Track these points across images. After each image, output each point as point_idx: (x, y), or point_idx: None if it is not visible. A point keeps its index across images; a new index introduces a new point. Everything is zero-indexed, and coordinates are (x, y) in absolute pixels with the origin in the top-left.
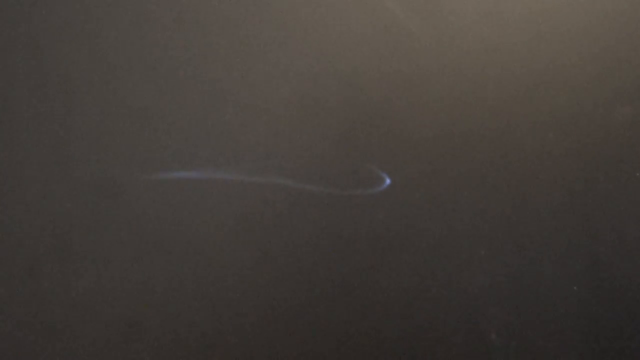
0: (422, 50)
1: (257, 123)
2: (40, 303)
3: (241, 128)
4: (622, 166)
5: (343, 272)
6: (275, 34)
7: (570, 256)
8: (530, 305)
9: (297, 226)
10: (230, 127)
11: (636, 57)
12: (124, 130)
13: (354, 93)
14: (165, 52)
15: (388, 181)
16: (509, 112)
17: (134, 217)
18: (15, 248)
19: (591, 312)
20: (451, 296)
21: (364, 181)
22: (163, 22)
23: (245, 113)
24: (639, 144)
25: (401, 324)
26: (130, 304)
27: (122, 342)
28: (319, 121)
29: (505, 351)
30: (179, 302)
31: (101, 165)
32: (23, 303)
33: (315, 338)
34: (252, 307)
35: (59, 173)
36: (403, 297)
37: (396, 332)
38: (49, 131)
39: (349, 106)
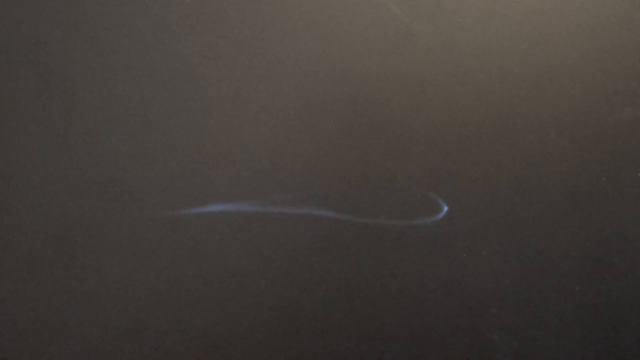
0: (423, 50)
1: (257, 122)
2: (41, 303)
3: (241, 129)
4: (623, 166)
5: (344, 271)
6: (276, 35)
7: (571, 256)
8: (531, 305)
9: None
10: (230, 129)
11: (637, 57)
12: (125, 131)
13: (355, 93)
14: (167, 54)
15: (446, 208)
16: (510, 112)
17: (135, 217)
18: (17, 248)
19: (591, 312)
20: (452, 296)
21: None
22: (165, 24)
23: (246, 114)
24: None
25: (402, 324)
26: (131, 304)
27: (122, 342)
28: (319, 121)
29: (506, 351)
30: (179, 302)
31: (102, 166)
32: (24, 303)
33: (316, 338)
34: (254, 309)
35: (61, 174)
36: (404, 297)
37: (397, 332)
38: (50, 132)
39: (351, 106)
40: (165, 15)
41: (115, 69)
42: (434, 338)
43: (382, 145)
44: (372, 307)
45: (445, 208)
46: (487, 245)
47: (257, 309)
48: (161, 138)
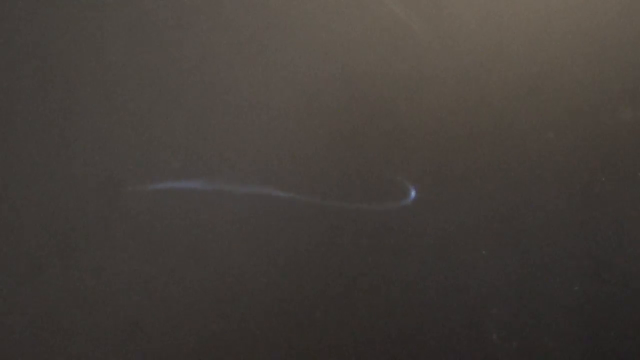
0: (424, 51)
1: (257, 125)
2: (42, 303)
3: (242, 132)
4: (622, 166)
5: (344, 272)
6: (276, 35)
7: (570, 256)
8: (531, 305)
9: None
10: (230, 131)
11: (637, 58)
12: (125, 132)
13: (356, 94)
14: (167, 55)
15: (413, 194)
16: (510, 113)
17: (135, 218)
18: (17, 249)
19: (591, 312)
20: (452, 296)
21: (386, 193)
22: (165, 25)
23: (246, 115)
24: (639, 144)
25: (402, 324)
26: (131, 304)
27: (123, 342)
28: (320, 122)
29: (506, 351)
30: (179, 302)
31: (102, 167)
32: (25, 303)
33: (316, 338)
34: (252, 308)
35: (61, 174)
36: (404, 297)
37: (397, 332)
38: (51, 132)
39: (351, 107)
40: (164, 15)
41: (115, 69)
42: (433, 338)
43: (381, 146)
44: (371, 307)
45: (412, 194)
46: (486, 245)
47: (256, 308)
48: (161, 139)
